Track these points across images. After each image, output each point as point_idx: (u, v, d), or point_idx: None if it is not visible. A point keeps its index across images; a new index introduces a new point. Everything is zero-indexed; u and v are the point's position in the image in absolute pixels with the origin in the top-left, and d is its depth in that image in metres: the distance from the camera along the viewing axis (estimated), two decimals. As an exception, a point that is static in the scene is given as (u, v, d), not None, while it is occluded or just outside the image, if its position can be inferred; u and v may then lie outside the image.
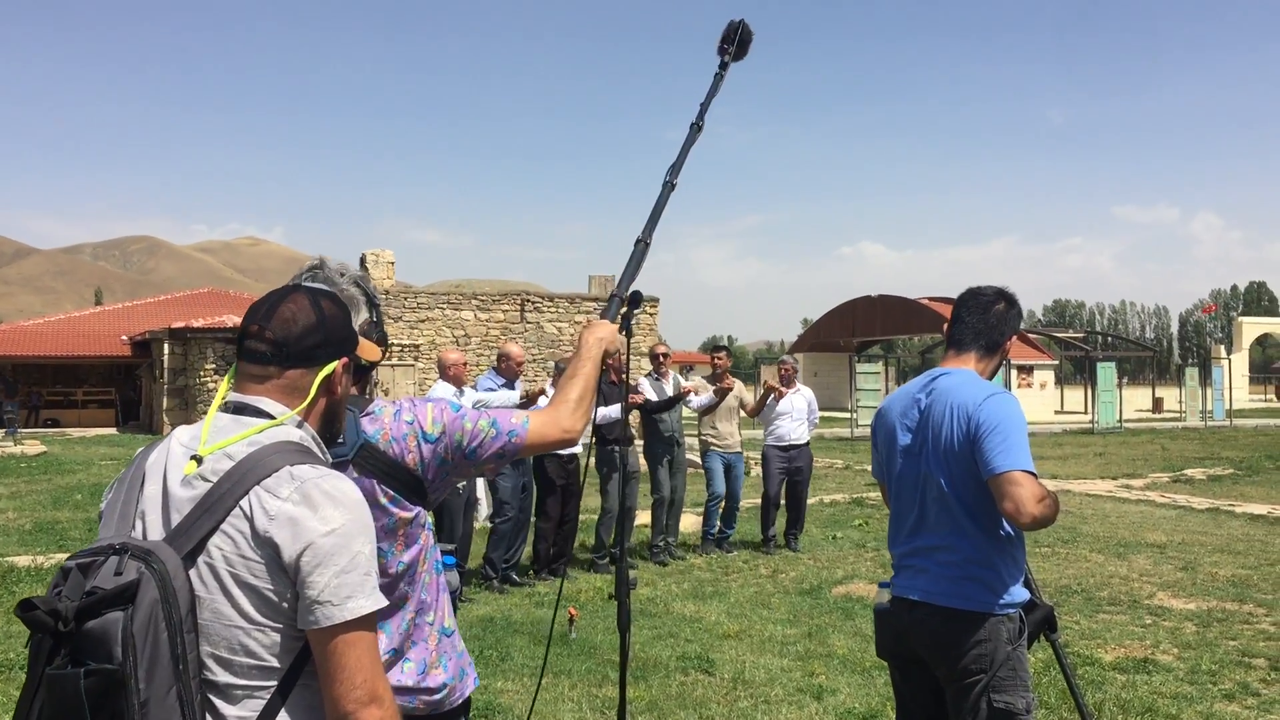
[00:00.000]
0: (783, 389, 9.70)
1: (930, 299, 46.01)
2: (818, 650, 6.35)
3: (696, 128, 2.87)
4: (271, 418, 1.79)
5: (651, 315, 28.54)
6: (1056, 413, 42.59)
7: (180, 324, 31.28)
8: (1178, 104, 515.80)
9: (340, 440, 2.01)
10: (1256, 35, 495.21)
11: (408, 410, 2.24)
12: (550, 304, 27.46)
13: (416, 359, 25.73)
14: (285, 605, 1.66)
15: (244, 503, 1.67)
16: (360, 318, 2.22)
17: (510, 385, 8.23)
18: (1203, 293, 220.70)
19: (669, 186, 2.81)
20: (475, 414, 2.26)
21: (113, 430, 34.57)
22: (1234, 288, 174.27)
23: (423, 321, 26.04)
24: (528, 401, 7.99)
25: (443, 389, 7.89)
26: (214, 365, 29.99)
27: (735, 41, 2.94)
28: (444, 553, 2.40)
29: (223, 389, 1.87)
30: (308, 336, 1.83)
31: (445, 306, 26.33)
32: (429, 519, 2.28)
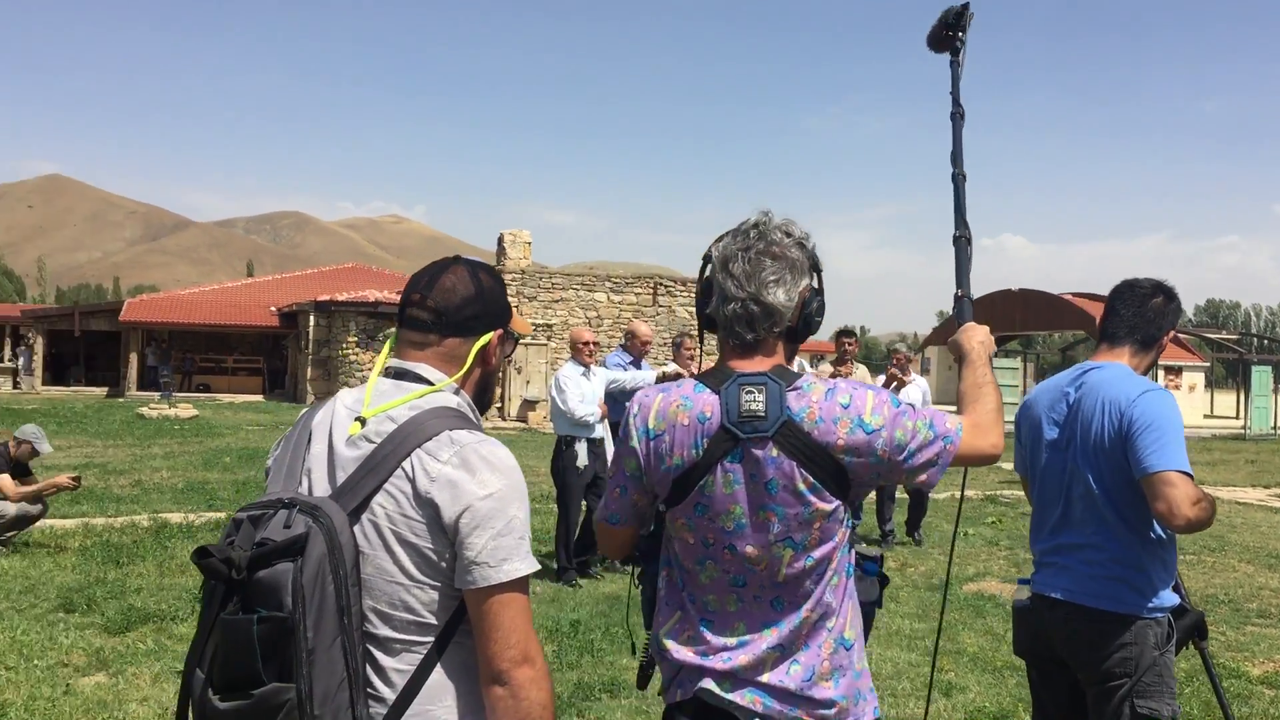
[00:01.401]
0: (905, 377, 9.53)
1: (1075, 295, 44.41)
2: (946, 647, 6.24)
3: (959, 116, 2.76)
4: (430, 384, 1.86)
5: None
6: (1206, 417, 40.83)
7: (325, 297, 32.37)
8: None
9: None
10: None
11: (844, 391, 2.00)
12: (683, 288, 27.49)
13: (549, 338, 26.07)
14: (444, 564, 1.73)
15: (406, 464, 1.73)
16: (801, 283, 2.05)
17: (637, 364, 8.26)
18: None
19: (960, 178, 2.71)
20: (911, 411, 2.04)
21: (259, 397, 36.00)
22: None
23: (556, 302, 26.38)
24: (667, 379, 7.94)
25: (571, 368, 7.92)
26: (355, 337, 30.95)
27: (962, 27, 2.82)
28: (865, 559, 2.18)
29: (384, 354, 1.95)
30: (466, 307, 1.90)
31: (579, 287, 26.62)
32: (848, 516, 2.06)
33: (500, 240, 26.52)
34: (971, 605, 7.33)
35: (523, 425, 24.46)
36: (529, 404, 25.22)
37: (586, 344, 8.04)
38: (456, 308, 1.89)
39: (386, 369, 1.91)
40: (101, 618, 6.38)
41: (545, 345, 25.94)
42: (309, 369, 32.16)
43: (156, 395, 31.44)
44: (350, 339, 31.13)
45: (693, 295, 26.71)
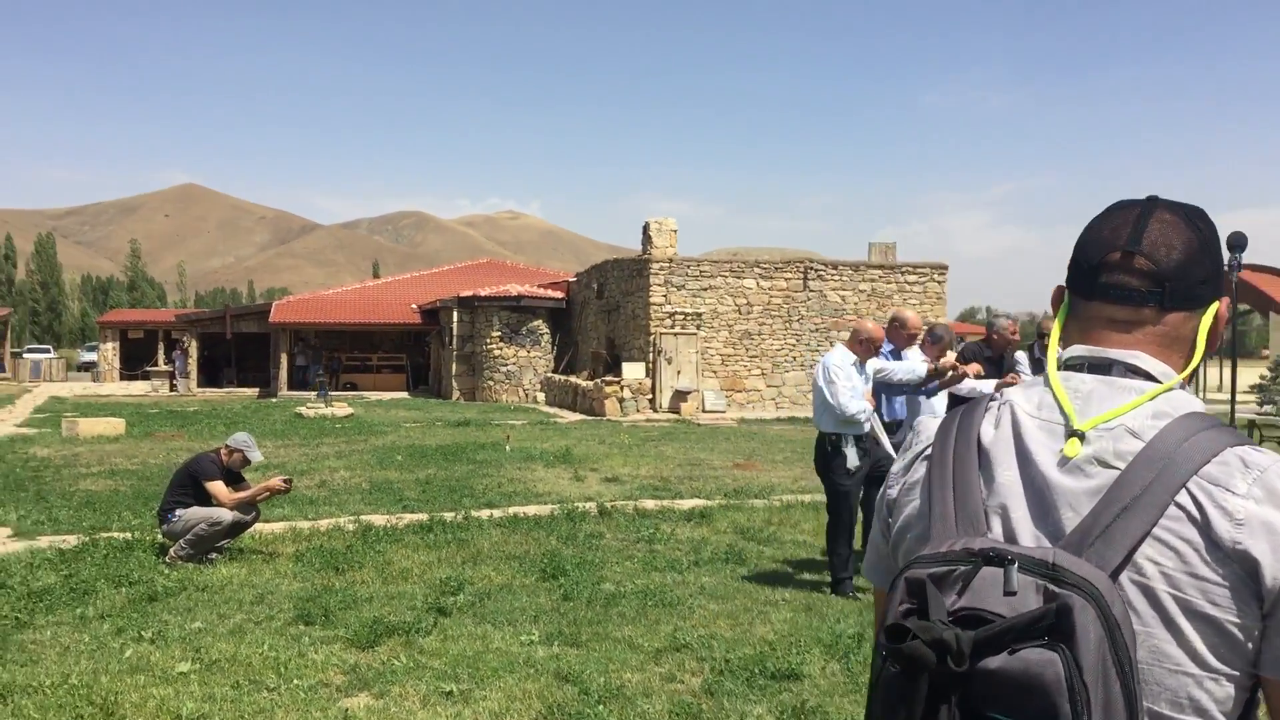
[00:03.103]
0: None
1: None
2: None
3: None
4: (1154, 380, 1.33)
5: (940, 284, 27.33)
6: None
7: (468, 293, 32.47)
8: None
9: None
10: None
11: None
12: (834, 271, 26.71)
13: (699, 327, 25.59)
14: (1249, 645, 1.19)
15: (1182, 498, 1.20)
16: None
17: (897, 354, 7.62)
18: None
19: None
20: None
21: (404, 394, 36.40)
22: None
23: (705, 290, 25.87)
24: (936, 375, 7.27)
25: (842, 356, 7.12)
26: (499, 332, 30.99)
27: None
28: None
29: (1054, 339, 1.42)
30: (1193, 266, 1.35)
31: (728, 275, 26.05)
32: None
33: (645, 229, 26.12)
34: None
35: (675, 416, 24.03)
36: (681, 395, 24.78)
37: (875, 341, 7.17)
38: (1180, 268, 1.34)
39: (1073, 360, 1.38)
40: (344, 630, 6.09)
41: (695, 335, 25.45)
42: (453, 365, 32.32)
43: (311, 395, 31.97)
44: (494, 334, 31.18)
45: (844, 279, 26.06)
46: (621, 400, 24.74)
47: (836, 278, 26.66)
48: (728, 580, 7.45)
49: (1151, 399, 1.29)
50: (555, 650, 5.76)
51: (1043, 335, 8.37)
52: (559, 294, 33.38)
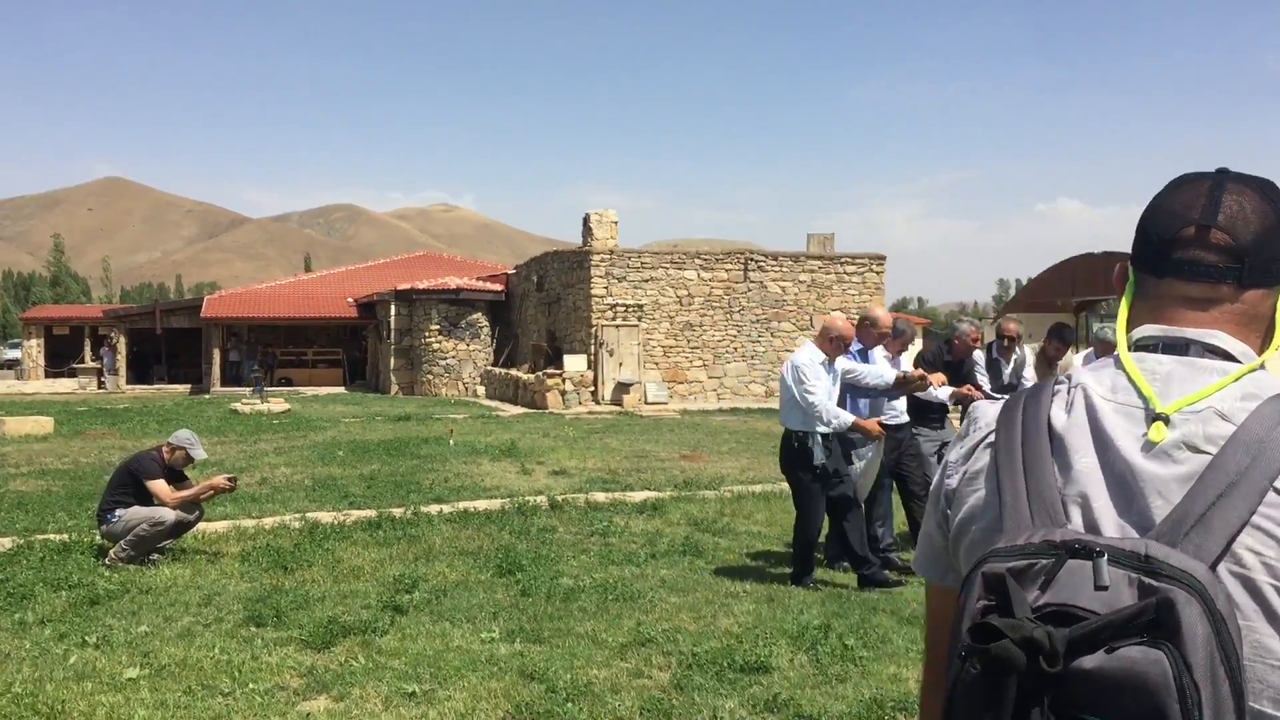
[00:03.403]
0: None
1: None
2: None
3: None
4: (1235, 360, 1.25)
5: (879, 274, 27.55)
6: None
7: (406, 286, 32.09)
8: None
9: None
10: None
11: None
12: (774, 262, 26.77)
13: (640, 319, 25.52)
14: None
15: None
16: None
17: (864, 354, 7.49)
18: None
19: None
20: None
21: (341, 389, 35.89)
22: None
23: (646, 281, 25.79)
24: (904, 383, 7.09)
25: (811, 354, 6.98)
26: (438, 325, 30.68)
27: None
28: None
29: (1121, 319, 1.34)
30: (1270, 242, 1.27)
31: (669, 266, 26.00)
32: None
33: (586, 220, 25.98)
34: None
35: (618, 409, 23.96)
36: (623, 387, 24.70)
37: (846, 340, 7.03)
38: (1258, 242, 1.26)
39: (1146, 340, 1.30)
40: (298, 631, 5.91)
41: (637, 326, 25.38)
42: (391, 359, 31.95)
43: (245, 391, 31.40)
44: (433, 327, 30.86)
45: (784, 270, 26.15)
46: (563, 393, 24.60)
47: (776, 268, 26.74)
48: (686, 573, 7.38)
49: (1237, 380, 1.22)
50: (518, 647, 5.64)
51: (1001, 336, 8.26)
52: (498, 287, 33.12)
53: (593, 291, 25.30)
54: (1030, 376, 8.25)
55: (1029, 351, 8.34)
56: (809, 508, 6.99)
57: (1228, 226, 1.26)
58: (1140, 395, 1.23)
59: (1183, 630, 1.02)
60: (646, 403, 24.80)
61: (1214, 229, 1.26)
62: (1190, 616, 1.03)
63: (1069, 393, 1.28)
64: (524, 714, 4.69)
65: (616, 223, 26.00)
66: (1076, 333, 9.49)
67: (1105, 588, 1.06)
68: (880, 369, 7.25)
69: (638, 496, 10.65)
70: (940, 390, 7.27)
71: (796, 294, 26.76)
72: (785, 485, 11.39)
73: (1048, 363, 8.43)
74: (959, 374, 7.79)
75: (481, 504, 10.23)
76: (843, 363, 7.04)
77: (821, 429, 6.88)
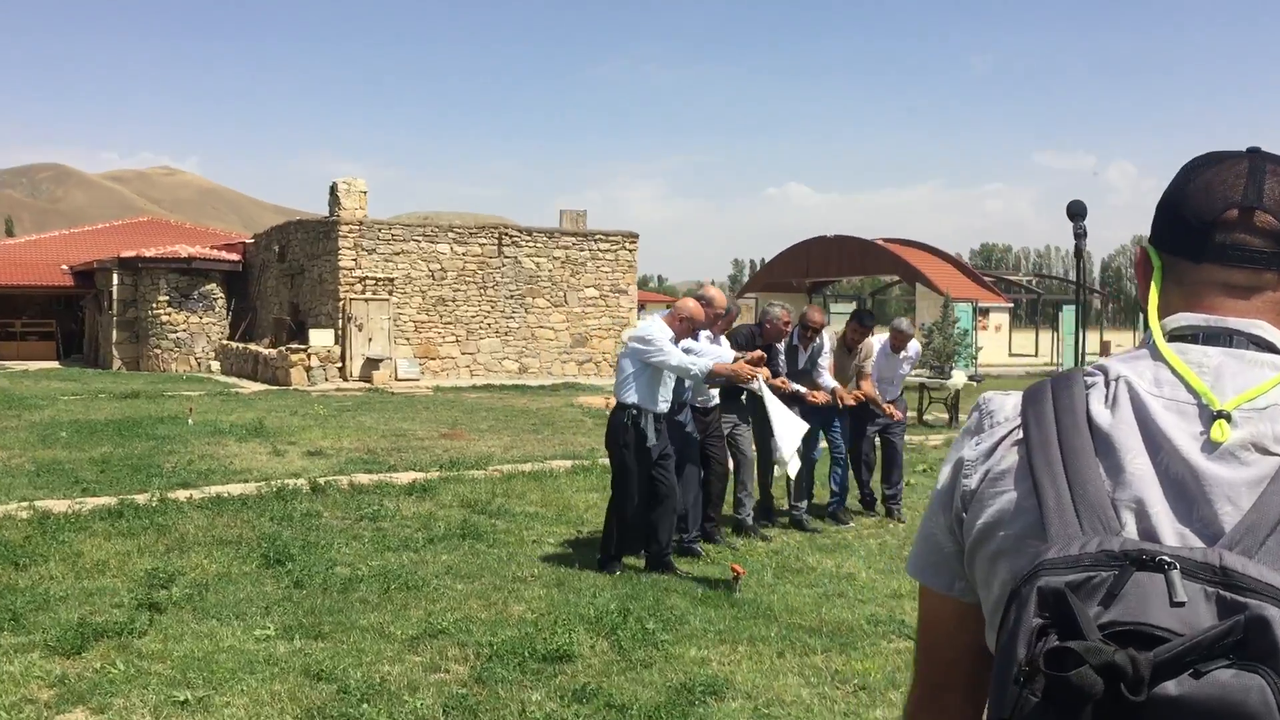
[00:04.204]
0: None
1: (886, 240, 46.07)
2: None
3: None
4: (1278, 351, 1.16)
5: (632, 252, 27.82)
6: (1011, 355, 42.86)
7: (130, 253, 29.87)
8: (1097, 54, 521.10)
9: None
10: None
11: None
12: (529, 238, 26.56)
13: (391, 293, 24.77)
14: None
15: None
16: None
17: (695, 338, 7.22)
18: (1123, 239, 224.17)
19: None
20: None
21: (54, 364, 33.07)
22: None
23: (398, 254, 25.02)
24: (736, 375, 6.90)
25: (661, 328, 6.78)
26: (167, 297, 28.76)
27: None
28: None
29: (1153, 307, 1.24)
30: None
31: (421, 239, 25.31)
32: None
33: (333, 189, 24.90)
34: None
35: (368, 385, 23.18)
36: (373, 363, 23.92)
37: (696, 322, 6.91)
38: None
39: (1180, 329, 1.20)
40: (41, 635, 5.29)
41: (387, 300, 24.61)
42: (114, 332, 29.66)
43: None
44: (161, 298, 28.86)
45: (539, 245, 26.01)
46: (309, 369, 23.57)
47: (531, 244, 26.54)
48: (468, 557, 7.12)
49: None
50: (297, 645, 5.25)
51: (806, 326, 8.26)
52: (235, 256, 31.30)
53: (340, 263, 24.32)
54: (827, 364, 8.43)
55: (827, 338, 8.48)
56: (627, 487, 6.75)
57: (1274, 209, 1.18)
58: (1190, 390, 1.13)
59: (1279, 651, 0.93)
60: (397, 379, 24.12)
61: (1259, 211, 1.17)
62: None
63: (1108, 386, 1.17)
64: (316, 718, 4.35)
65: (366, 193, 25.07)
66: (875, 318, 9.66)
67: (1182, 604, 0.95)
68: (720, 350, 7.17)
69: (404, 478, 10.25)
70: (756, 381, 7.23)
71: (551, 270, 26.66)
72: (556, 464, 11.37)
73: (848, 349, 8.62)
74: (771, 358, 7.85)
75: (235, 488, 9.57)
76: (688, 344, 6.92)
77: (662, 406, 6.75)
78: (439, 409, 18.37)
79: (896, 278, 47.75)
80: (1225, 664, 0.91)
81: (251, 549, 7.21)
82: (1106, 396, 1.15)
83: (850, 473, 8.93)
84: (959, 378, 16.78)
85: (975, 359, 24.55)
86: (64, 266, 35.70)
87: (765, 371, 7.11)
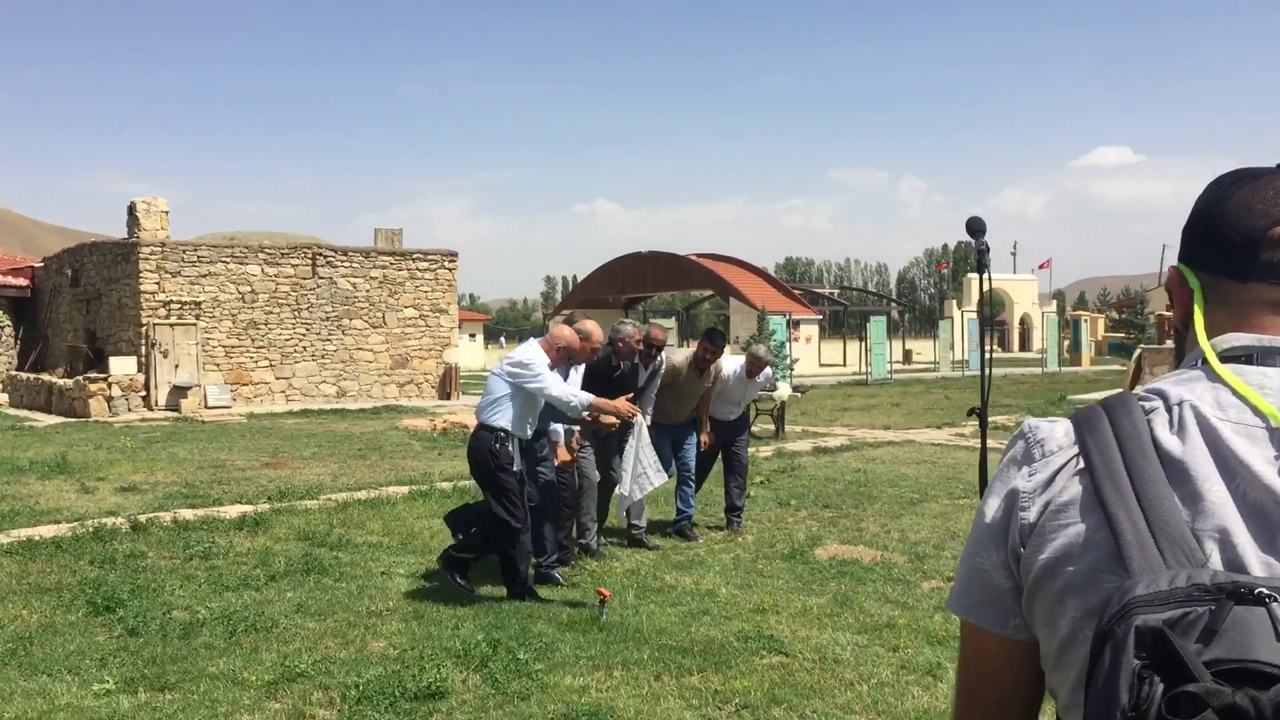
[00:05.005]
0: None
1: (699, 255, 47.01)
2: (871, 621, 6.01)
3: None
4: None
5: (451, 271, 27.39)
6: (821, 365, 44.28)
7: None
8: (889, 75, 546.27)
9: None
10: (963, 14, 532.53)
11: None
12: (344, 258, 25.79)
13: (199, 317, 23.66)
14: None
15: None
16: None
17: (564, 373, 7.06)
18: (915, 251, 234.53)
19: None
20: None
21: None
22: (945, 247, 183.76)
23: (204, 276, 23.90)
24: (597, 421, 6.99)
25: (539, 353, 6.70)
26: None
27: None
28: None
29: (1199, 326, 1.23)
30: None
31: (229, 260, 24.24)
32: None
33: (132, 209, 23.60)
34: (846, 573, 7.18)
35: (175, 414, 22.05)
36: (180, 390, 22.77)
37: (573, 351, 6.87)
38: None
39: (1232, 349, 1.18)
40: None
41: (194, 325, 23.49)
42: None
43: None
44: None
45: (355, 265, 25.31)
46: (110, 399, 22.23)
47: (347, 264, 25.80)
48: (315, 593, 6.81)
49: None
50: (142, 698, 4.90)
51: (650, 344, 8.11)
52: (22, 281, 29.29)
53: (142, 287, 23.06)
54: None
55: (665, 356, 8.44)
56: (511, 509, 6.50)
57: None
58: (1258, 414, 1.12)
59: None
60: (207, 407, 23.02)
61: None
62: None
63: (1169, 411, 1.15)
64: (176, 779, 4.05)
65: (168, 212, 23.88)
66: (727, 337, 9.75)
67: None
68: (576, 392, 6.94)
69: (232, 511, 9.76)
70: (638, 418, 7.28)
71: (369, 290, 25.98)
72: (391, 490, 11.05)
73: (699, 370, 8.58)
74: (624, 378, 7.76)
75: (46, 530, 8.90)
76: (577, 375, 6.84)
77: (529, 432, 6.61)
78: (256, 437, 17.62)
79: (710, 292, 48.90)
80: None
81: (75, 595, 6.71)
82: (1171, 422, 1.13)
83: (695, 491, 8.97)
84: (784, 389, 17.16)
85: (791, 370, 25.19)
86: None
87: (634, 408, 7.11)
